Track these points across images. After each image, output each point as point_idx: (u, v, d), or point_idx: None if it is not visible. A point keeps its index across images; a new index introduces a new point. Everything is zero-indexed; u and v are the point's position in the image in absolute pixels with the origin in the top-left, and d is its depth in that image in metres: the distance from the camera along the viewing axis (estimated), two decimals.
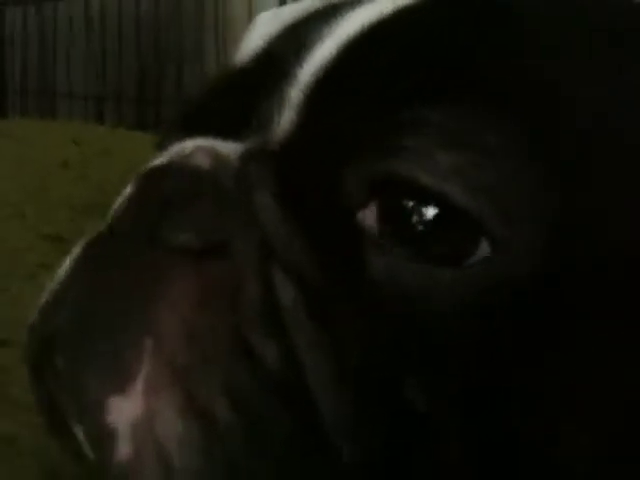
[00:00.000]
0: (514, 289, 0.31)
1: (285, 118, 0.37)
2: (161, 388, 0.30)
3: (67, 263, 0.37)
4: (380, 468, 0.31)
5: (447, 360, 0.31)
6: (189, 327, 0.31)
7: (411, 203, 0.31)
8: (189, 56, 1.94)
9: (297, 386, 0.30)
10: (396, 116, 0.32)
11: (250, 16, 1.67)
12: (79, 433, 0.33)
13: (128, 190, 0.37)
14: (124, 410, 0.31)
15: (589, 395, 0.32)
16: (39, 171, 1.01)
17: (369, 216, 0.32)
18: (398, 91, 0.33)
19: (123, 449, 0.31)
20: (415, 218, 0.31)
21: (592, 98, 0.34)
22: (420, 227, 0.31)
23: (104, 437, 0.31)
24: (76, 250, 0.37)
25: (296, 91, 0.37)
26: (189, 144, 0.37)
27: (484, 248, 0.31)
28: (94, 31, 2.08)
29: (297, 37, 0.40)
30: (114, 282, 0.33)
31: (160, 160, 0.38)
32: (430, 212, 0.31)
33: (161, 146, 0.41)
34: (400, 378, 0.31)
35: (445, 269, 0.31)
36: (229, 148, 0.36)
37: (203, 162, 0.36)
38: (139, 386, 0.31)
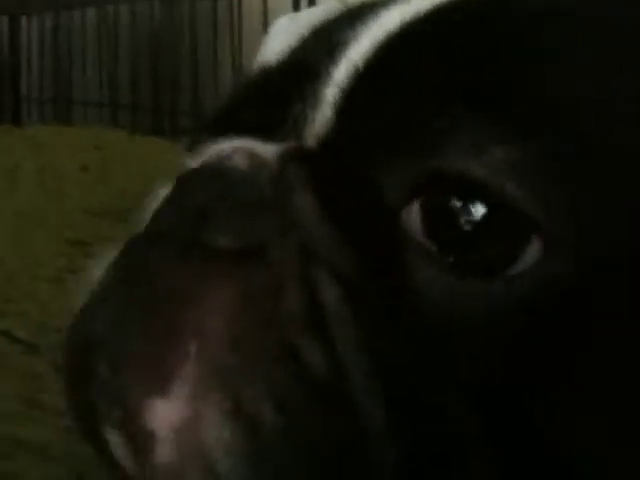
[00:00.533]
0: (562, 295, 0.31)
1: (321, 118, 0.36)
2: (205, 392, 0.30)
3: (101, 267, 0.37)
4: (419, 472, 0.31)
5: (489, 367, 0.31)
6: (233, 331, 0.30)
7: (458, 202, 0.31)
8: (204, 65, 1.95)
9: (342, 390, 0.30)
10: (441, 113, 0.31)
11: (265, 25, 1.67)
12: (115, 439, 0.33)
13: (164, 193, 0.37)
14: (167, 413, 0.30)
15: (628, 403, 0.31)
16: (59, 176, 1.01)
17: (413, 217, 0.32)
18: (441, 88, 0.32)
19: (165, 453, 0.30)
20: (463, 218, 0.30)
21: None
22: (468, 227, 0.30)
23: (145, 441, 0.31)
24: (111, 253, 0.37)
25: (332, 90, 0.36)
26: (226, 145, 0.37)
27: (532, 252, 0.30)
28: (108, 39, 2.08)
29: (329, 37, 0.40)
30: (154, 286, 0.33)
31: (197, 162, 0.37)
32: (479, 211, 0.30)
33: (193, 148, 0.40)
34: (440, 384, 0.31)
35: (494, 283, 0.30)
36: (267, 149, 0.36)
37: (241, 164, 0.35)
38: (182, 389, 0.30)
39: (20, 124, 2.14)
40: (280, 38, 0.49)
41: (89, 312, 0.35)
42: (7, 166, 1.05)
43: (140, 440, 0.31)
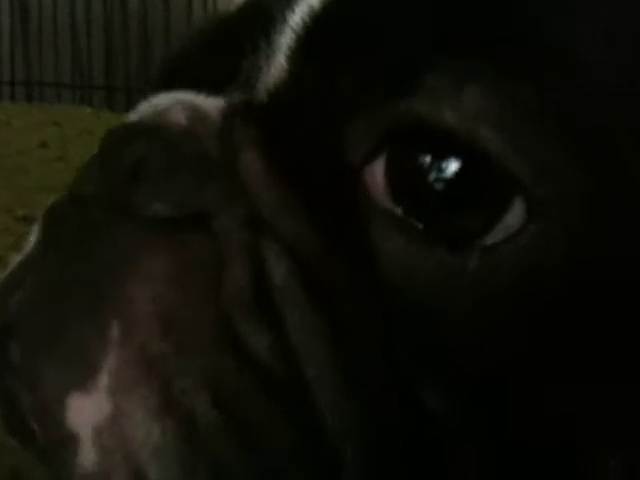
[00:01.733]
0: (547, 268, 0.26)
1: (275, 68, 0.31)
2: (130, 384, 0.25)
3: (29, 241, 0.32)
4: (386, 473, 0.26)
5: (467, 353, 0.26)
6: (164, 310, 0.26)
7: (427, 157, 0.26)
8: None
9: (292, 380, 0.25)
10: (409, 53, 0.26)
11: None
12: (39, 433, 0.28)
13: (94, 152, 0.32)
14: (87, 410, 0.26)
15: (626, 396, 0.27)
16: (17, 153, 0.95)
17: (376, 177, 0.27)
18: (410, 27, 0.27)
19: (86, 457, 0.26)
20: (433, 176, 0.26)
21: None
22: (439, 187, 0.26)
23: (64, 442, 0.26)
24: (36, 225, 0.32)
25: (287, 36, 0.32)
26: (164, 99, 0.32)
27: (514, 217, 0.26)
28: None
29: None
30: (78, 259, 0.28)
31: (131, 117, 0.33)
32: (452, 167, 0.26)
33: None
34: (412, 371, 0.26)
35: (468, 255, 0.26)
36: (211, 103, 0.31)
37: (180, 119, 0.30)
38: (104, 382, 0.25)
39: None
40: None
41: (6, 291, 0.30)
42: None
43: (59, 440, 0.26)
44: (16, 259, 0.32)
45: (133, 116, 0.33)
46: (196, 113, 0.31)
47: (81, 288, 0.27)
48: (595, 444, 0.27)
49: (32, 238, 0.32)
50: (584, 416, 0.27)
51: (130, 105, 0.35)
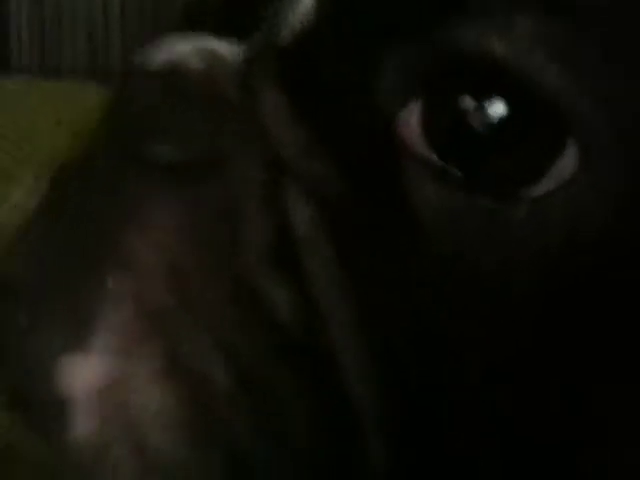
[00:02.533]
0: (604, 226, 0.23)
1: (300, 9, 0.29)
2: (131, 343, 0.23)
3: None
4: (413, 446, 0.24)
5: (509, 331, 0.24)
6: (169, 260, 0.23)
7: (470, 96, 0.23)
8: None
9: (317, 347, 0.23)
10: None
11: None
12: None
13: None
14: (83, 373, 0.23)
15: None
16: (31, 130, 0.93)
17: (412, 121, 0.24)
18: None
19: (83, 425, 0.23)
20: (476, 117, 0.23)
21: None
22: (482, 129, 0.23)
23: (59, 408, 0.23)
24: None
25: None
26: (182, 45, 0.29)
27: (566, 164, 0.23)
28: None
29: None
30: (84, 213, 0.26)
31: (146, 64, 0.30)
32: (498, 107, 0.23)
33: None
34: (445, 336, 0.23)
35: (514, 207, 0.23)
36: (230, 48, 0.29)
37: (196, 63, 0.28)
38: (102, 340, 0.23)
39: None
40: None
41: (11, 251, 0.28)
42: None
43: (52, 406, 0.24)
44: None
45: (147, 63, 0.30)
46: (214, 57, 0.28)
47: (82, 241, 0.25)
48: (601, 444, 0.25)
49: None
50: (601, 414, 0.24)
51: None
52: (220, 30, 0.30)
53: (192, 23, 0.32)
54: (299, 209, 0.23)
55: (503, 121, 0.23)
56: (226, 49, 0.29)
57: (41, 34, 2.07)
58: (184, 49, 0.29)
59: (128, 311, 0.23)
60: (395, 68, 0.24)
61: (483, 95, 0.23)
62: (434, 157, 0.24)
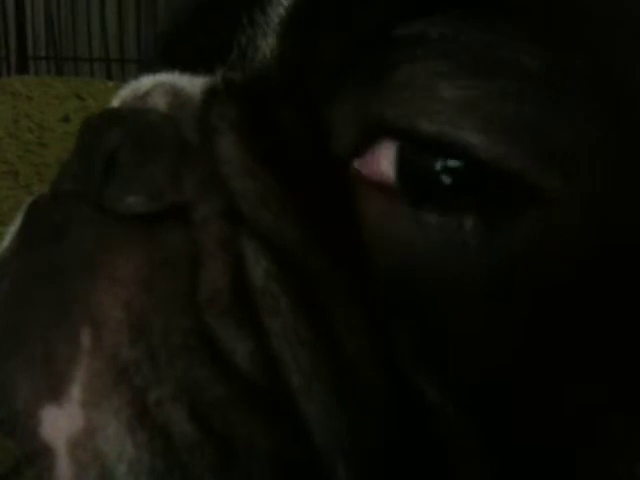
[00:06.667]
0: (557, 248, 0.24)
1: (266, 44, 0.29)
2: (101, 395, 0.24)
3: (8, 235, 0.30)
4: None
5: (469, 345, 0.24)
6: (135, 316, 0.24)
7: (423, 153, 0.23)
8: None
9: (276, 391, 0.23)
10: (390, 36, 0.24)
11: None
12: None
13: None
14: (60, 423, 0.24)
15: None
16: (37, 127, 0.94)
17: (379, 163, 0.25)
18: (395, 4, 0.25)
19: (63, 471, 0.24)
20: (438, 165, 0.23)
21: None
22: (445, 177, 0.23)
23: (40, 455, 0.25)
24: (18, 219, 0.30)
25: (280, 10, 0.29)
26: (146, 81, 0.30)
27: (522, 200, 0.24)
28: None
29: None
30: (50, 259, 0.26)
31: (113, 103, 0.31)
32: (449, 163, 0.23)
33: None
34: (409, 371, 0.24)
35: (473, 230, 0.24)
36: (194, 84, 0.29)
37: (159, 104, 0.28)
38: (75, 393, 0.24)
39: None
40: None
41: None
42: None
43: (35, 452, 0.25)
44: None
45: (115, 101, 0.31)
46: (177, 97, 0.28)
47: (51, 291, 0.25)
48: (599, 448, 0.25)
49: (11, 232, 0.30)
50: (592, 416, 0.25)
51: None
52: (187, 63, 0.30)
53: (163, 55, 0.33)
54: (255, 259, 0.24)
55: (458, 172, 0.23)
56: (191, 86, 0.29)
57: (57, 24, 2.05)
58: (149, 88, 0.29)
59: (96, 365, 0.24)
60: (346, 119, 0.25)
61: (431, 153, 0.24)
62: (404, 197, 0.24)
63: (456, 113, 0.22)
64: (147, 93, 0.29)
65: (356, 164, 0.25)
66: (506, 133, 0.22)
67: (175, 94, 0.28)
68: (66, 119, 0.98)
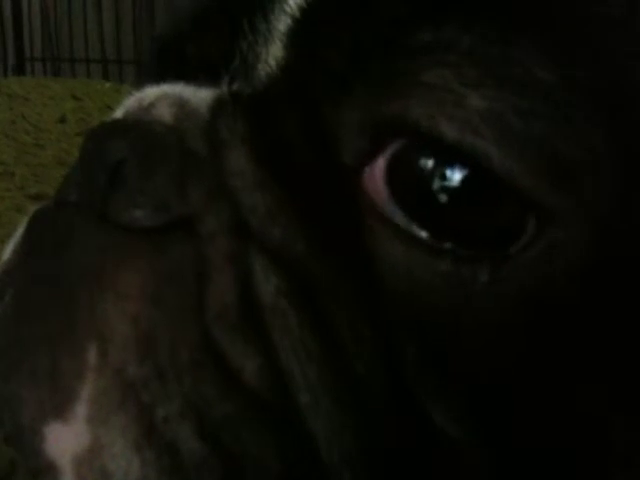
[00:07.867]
0: (562, 277, 0.24)
1: (272, 53, 0.29)
2: (108, 412, 0.23)
3: (10, 245, 0.30)
4: None
5: (475, 365, 0.24)
6: (141, 331, 0.24)
7: (430, 162, 0.23)
8: None
9: (284, 408, 0.23)
10: (409, 40, 0.24)
11: None
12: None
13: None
14: (65, 441, 0.24)
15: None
16: (34, 128, 0.94)
17: (377, 179, 0.25)
18: (413, 8, 0.25)
19: None
20: (437, 182, 0.23)
21: None
22: (444, 195, 0.23)
23: (44, 471, 0.24)
24: (20, 229, 0.30)
25: (284, 18, 0.29)
26: (150, 92, 0.30)
27: (528, 227, 0.24)
28: None
29: None
30: (55, 273, 0.26)
31: (117, 114, 0.30)
32: (457, 175, 0.23)
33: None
34: (416, 389, 0.24)
35: (479, 264, 0.24)
36: (200, 96, 0.29)
37: (165, 115, 0.28)
38: (82, 410, 0.24)
39: None
40: None
41: None
42: None
43: (39, 468, 0.25)
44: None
45: (119, 112, 0.31)
46: (183, 108, 0.28)
47: (56, 305, 0.25)
48: (599, 448, 0.25)
49: (13, 242, 0.30)
50: (592, 417, 0.25)
51: None
52: (191, 73, 0.30)
53: (165, 65, 0.33)
54: (264, 275, 0.24)
55: (462, 187, 0.23)
56: (196, 97, 0.29)
57: (53, 25, 2.04)
58: (154, 99, 0.29)
59: (103, 382, 0.23)
60: (355, 128, 0.24)
61: (441, 162, 0.23)
62: (400, 218, 0.24)
63: (481, 123, 0.22)
64: (152, 104, 0.29)
65: (364, 179, 0.25)
66: (519, 148, 0.22)
67: (180, 105, 0.28)
68: (63, 120, 0.98)
